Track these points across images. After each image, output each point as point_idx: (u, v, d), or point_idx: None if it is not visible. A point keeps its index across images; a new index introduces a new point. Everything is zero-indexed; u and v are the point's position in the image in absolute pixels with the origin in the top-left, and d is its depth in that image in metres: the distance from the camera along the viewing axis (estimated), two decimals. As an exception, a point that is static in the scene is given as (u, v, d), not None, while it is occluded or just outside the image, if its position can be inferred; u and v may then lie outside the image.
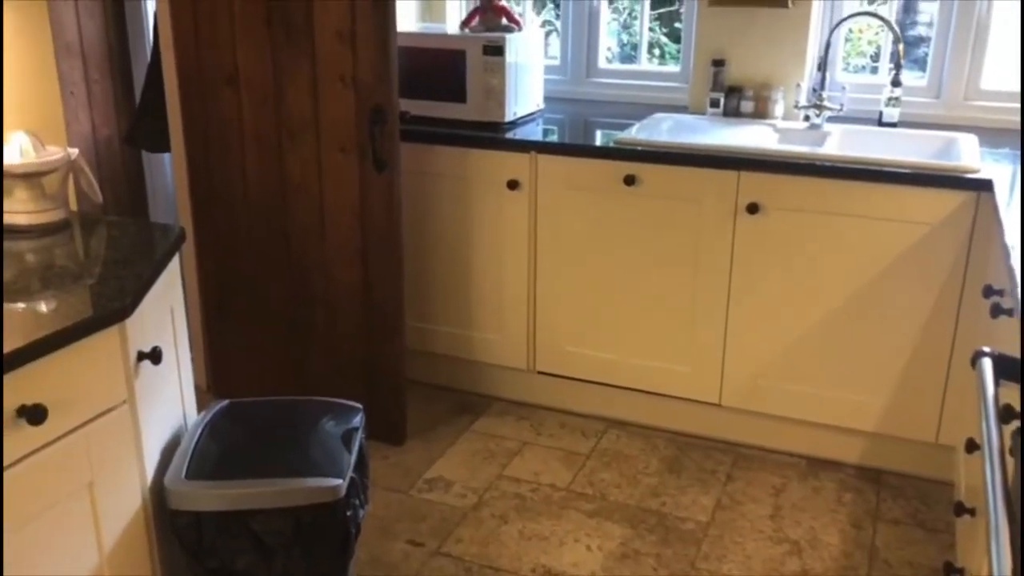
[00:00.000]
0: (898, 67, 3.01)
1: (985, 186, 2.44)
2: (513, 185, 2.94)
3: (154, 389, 1.79)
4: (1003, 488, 1.19)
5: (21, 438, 1.41)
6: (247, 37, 2.76)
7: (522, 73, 3.11)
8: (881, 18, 3.11)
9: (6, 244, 1.87)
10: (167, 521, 1.79)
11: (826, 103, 3.04)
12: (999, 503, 1.16)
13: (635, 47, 3.69)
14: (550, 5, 3.82)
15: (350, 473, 1.88)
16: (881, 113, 3.08)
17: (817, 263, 2.67)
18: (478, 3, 3.32)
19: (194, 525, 1.77)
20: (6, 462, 1.39)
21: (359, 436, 2.01)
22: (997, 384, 1.42)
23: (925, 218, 2.53)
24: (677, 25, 3.63)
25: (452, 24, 3.66)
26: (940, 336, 2.59)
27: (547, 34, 3.61)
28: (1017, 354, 1.50)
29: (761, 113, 3.18)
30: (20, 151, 1.94)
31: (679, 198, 2.77)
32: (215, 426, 1.99)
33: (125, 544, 1.68)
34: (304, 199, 2.84)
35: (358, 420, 2.06)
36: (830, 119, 3.08)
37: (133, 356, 1.65)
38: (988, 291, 2.11)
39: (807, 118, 3.08)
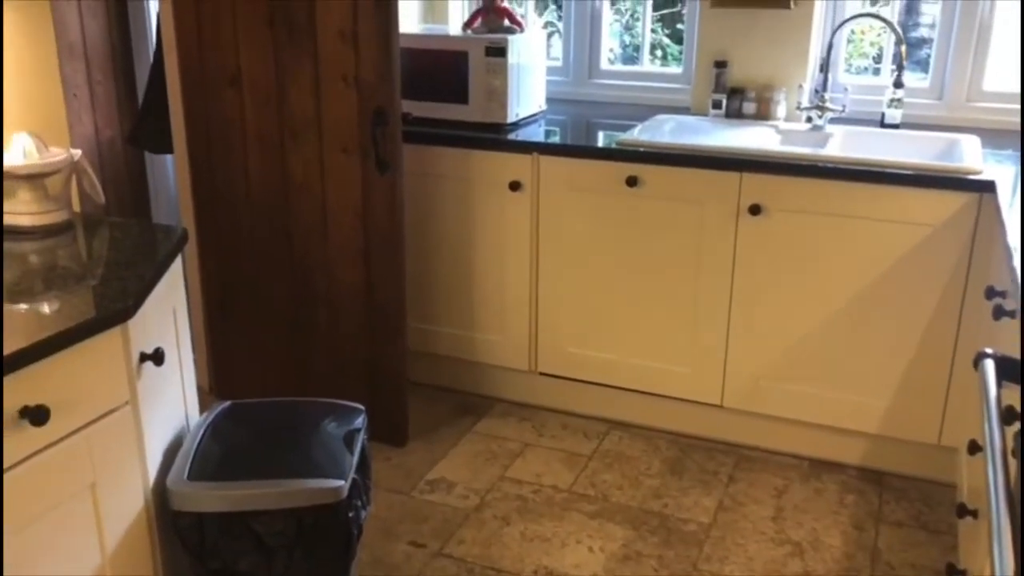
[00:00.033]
0: (900, 68, 3.01)
1: (988, 187, 2.43)
2: (515, 186, 2.94)
3: (156, 390, 1.79)
4: (1005, 490, 1.19)
5: (24, 439, 1.41)
6: (249, 37, 2.76)
7: (524, 74, 3.11)
8: (883, 19, 3.11)
9: (9, 245, 1.87)
10: (169, 522, 1.79)
11: (828, 104, 3.04)
12: (1001, 505, 1.16)
13: (637, 48, 3.69)
14: (552, 6, 3.82)
15: (352, 474, 1.88)
16: (883, 114, 3.08)
17: (819, 264, 2.67)
18: (480, 4, 3.32)
19: (196, 526, 1.77)
20: (9, 463, 1.39)
21: (361, 437, 2.01)
22: (999, 386, 1.42)
23: (927, 219, 2.52)
24: (679, 26, 3.63)
25: (454, 25, 3.66)
26: (942, 337, 2.59)
27: (549, 35, 3.61)
28: (1020, 355, 1.50)
29: (763, 114, 3.18)
30: (23, 152, 1.94)
31: (681, 199, 2.77)
32: (217, 427, 1.99)
33: (127, 545, 1.68)
34: (306, 199, 2.84)
35: (360, 421, 2.06)
36: (832, 120, 3.08)
37: (135, 357, 1.65)
38: (990, 292, 2.11)
39: (809, 119, 3.08)
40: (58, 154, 1.99)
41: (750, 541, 2.51)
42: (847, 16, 3.12)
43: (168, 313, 1.91)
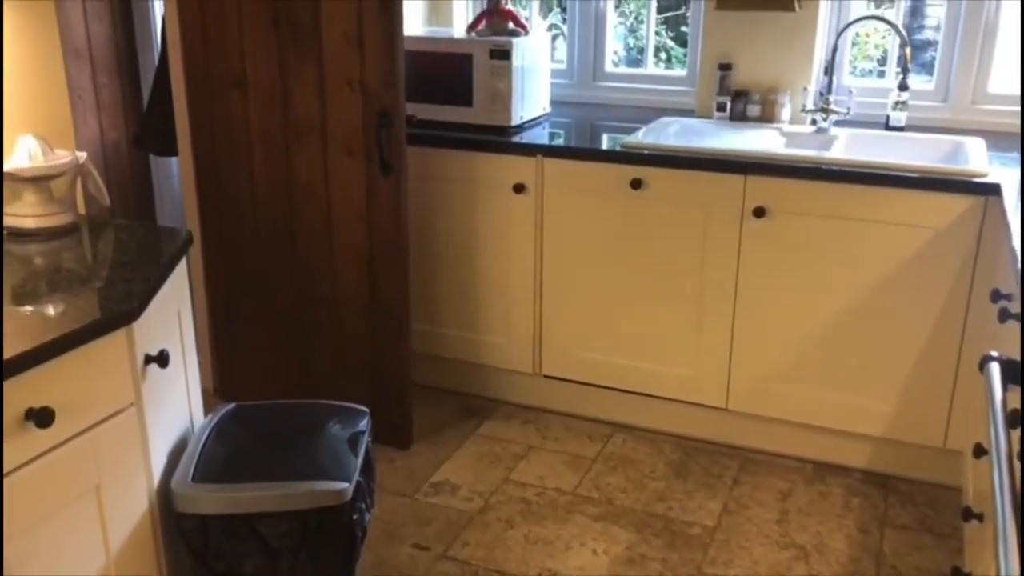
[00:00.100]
0: (905, 71, 3.00)
1: (993, 190, 2.43)
2: (519, 189, 2.94)
3: (161, 392, 1.79)
4: (1011, 493, 1.19)
5: (29, 441, 1.41)
6: (254, 40, 2.77)
7: (528, 77, 3.11)
8: (888, 22, 3.10)
9: (14, 247, 1.88)
10: (174, 524, 1.79)
11: (833, 107, 3.03)
12: (1007, 508, 1.16)
13: (641, 51, 3.69)
14: (556, 9, 3.82)
15: (356, 477, 1.88)
16: (888, 117, 3.08)
17: (824, 267, 2.67)
18: (485, 7, 3.32)
19: (200, 528, 1.78)
20: (14, 465, 1.39)
21: (365, 439, 2.01)
22: (1005, 389, 1.42)
23: (932, 222, 2.52)
24: (684, 29, 3.63)
25: (459, 28, 3.67)
26: (948, 340, 2.59)
27: (553, 38, 3.62)
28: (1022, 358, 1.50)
29: (768, 117, 3.18)
30: (29, 155, 1.94)
31: (686, 202, 2.77)
32: (222, 429, 1.99)
33: (132, 547, 1.68)
34: (311, 202, 2.84)
35: (364, 423, 2.06)
36: (837, 123, 3.08)
37: (140, 359, 1.65)
38: (996, 295, 2.11)
39: (814, 122, 3.08)
40: (63, 156, 2.00)
41: (755, 544, 2.50)
42: (852, 18, 3.12)
43: (173, 315, 1.91)
